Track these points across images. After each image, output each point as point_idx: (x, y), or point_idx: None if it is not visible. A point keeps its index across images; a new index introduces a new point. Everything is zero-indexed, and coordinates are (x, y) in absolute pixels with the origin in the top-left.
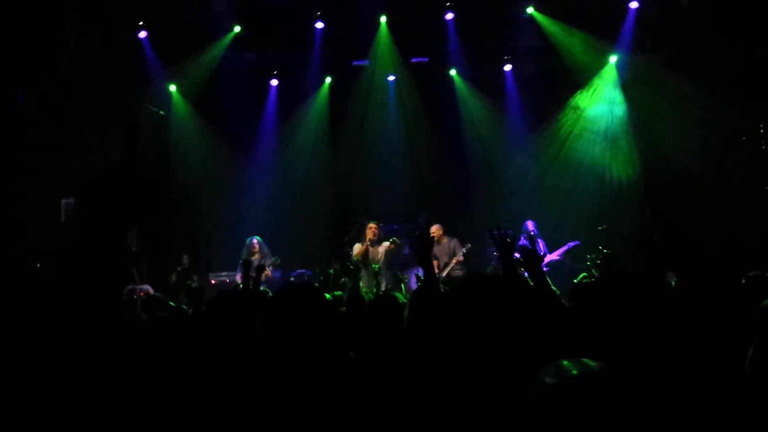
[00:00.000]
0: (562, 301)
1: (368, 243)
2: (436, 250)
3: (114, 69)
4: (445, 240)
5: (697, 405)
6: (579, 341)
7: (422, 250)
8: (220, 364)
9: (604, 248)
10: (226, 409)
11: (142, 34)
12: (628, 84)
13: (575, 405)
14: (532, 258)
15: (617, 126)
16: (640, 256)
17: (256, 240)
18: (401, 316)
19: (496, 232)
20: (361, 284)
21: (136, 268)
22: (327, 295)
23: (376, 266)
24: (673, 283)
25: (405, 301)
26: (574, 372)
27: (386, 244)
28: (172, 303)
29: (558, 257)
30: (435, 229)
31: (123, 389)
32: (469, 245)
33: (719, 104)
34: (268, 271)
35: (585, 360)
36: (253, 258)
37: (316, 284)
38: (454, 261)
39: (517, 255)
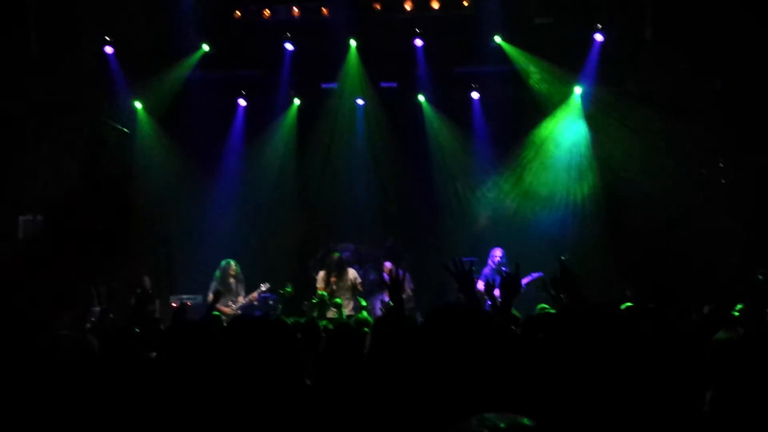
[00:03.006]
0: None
1: (333, 280)
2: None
3: (78, 82)
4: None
5: None
6: (529, 374)
7: (392, 280)
8: (171, 391)
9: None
10: None
11: (109, 49)
12: (592, 114)
13: None
14: (512, 286)
15: (581, 156)
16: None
17: (233, 262)
18: (362, 344)
19: (452, 265)
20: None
21: (95, 289)
22: (288, 320)
23: (339, 300)
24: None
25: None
26: (502, 425)
27: (353, 272)
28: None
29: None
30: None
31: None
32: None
33: (681, 136)
34: (254, 295)
35: (517, 417)
36: (229, 281)
37: (279, 305)
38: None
39: (480, 286)
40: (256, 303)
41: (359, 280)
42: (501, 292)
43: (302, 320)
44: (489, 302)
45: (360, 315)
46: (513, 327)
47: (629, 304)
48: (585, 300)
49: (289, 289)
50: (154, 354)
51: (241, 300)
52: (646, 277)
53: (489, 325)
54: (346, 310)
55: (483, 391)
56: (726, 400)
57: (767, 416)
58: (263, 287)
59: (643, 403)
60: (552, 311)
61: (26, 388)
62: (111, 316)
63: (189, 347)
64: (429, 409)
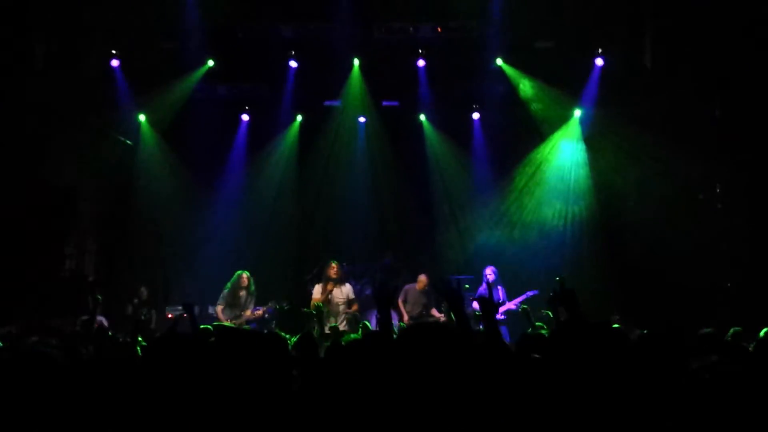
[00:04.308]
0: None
1: (330, 288)
2: (414, 296)
3: (83, 95)
4: (426, 290)
5: None
6: (524, 396)
7: (381, 296)
8: (161, 401)
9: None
10: None
11: (115, 62)
12: (591, 138)
13: None
14: (488, 307)
15: (579, 179)
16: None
17: (245, 275)
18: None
19: (441, 284)
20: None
21: (92, 297)
22: (291, 339)
23: (321, 306)
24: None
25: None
26: None
27: (349, 286)
28: (118, 337)
29: (515, 306)
30: (422, 279)
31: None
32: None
33: (678, 160)
34: (260, 311)
35: None
36: (240, 293)
37: (274, 321)
38: (434, 313)
39: (475, 305)
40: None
41: (351, 296)
42: (481, 314)
43: (295, 337)
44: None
45: (355, 335)
46: (503, 346)
47: (617, 326)
48: (583, 315)
49: (281, 306)
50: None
51: (248, 314)
52: (640, 300)
53: (469, 343)
54: (340, 326)
55: (466, 412)
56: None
57: None
58: (272, 305)
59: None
60: (545, 332)
61: (18, 396)
62: (102, 324)
63: (176, 357)
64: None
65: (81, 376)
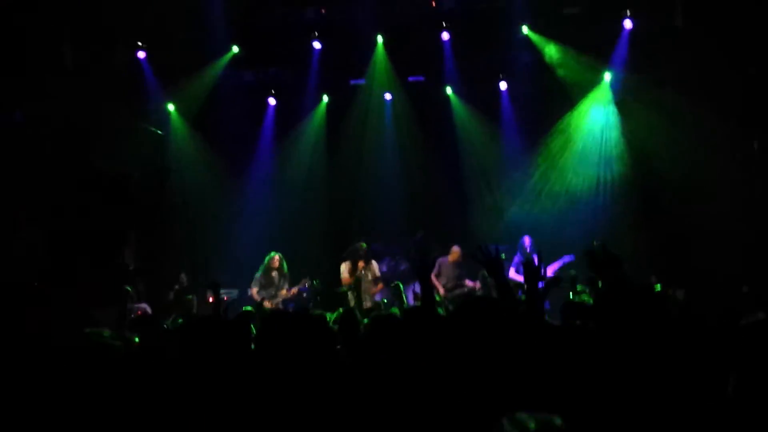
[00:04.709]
0: (550, 320)
1: (361, 266)
2: (448, 269)
3: (112, 89)
4: (459, 261)
5: None
6: (568, 366)
7: (421, 269)
8: (208, 383)
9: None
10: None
11: (141, 54)
12: (622, 102)
13: None
14: (534, 274)
15: (611, 143)
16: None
17: (277, 256)
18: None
19: (479, 252)
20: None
21: (134, 286)
22: (328, 315)
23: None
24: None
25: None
26: (532, 426)
27: (376, 264)
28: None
29: (552, 273)
30: (455, 251)
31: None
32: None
33: (713, 121)
34: (295, 290)
35: (549, 417)
36: (272, 274)
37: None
38: (467, 284)
39: (512, 274)
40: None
41: (379, 274)
42: (525, 281)
43: (336, 313)
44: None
45: (392, 309)
46: (546, 317)
47: (659, 287)
48: (627, 279)
49: (316, 283)
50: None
51: (284, 293)
52: (677, 261)
53: (514, 316)
54: (367, 303)
55: (514, 386)
56: (749, 384)
57: None
58: (305, 282)
59: (670, 390)
60: (587, 299)
61: (70, 385)
62: (146, 312)
63: (228, 339)
64: (456, 403)
65: (137, 364)
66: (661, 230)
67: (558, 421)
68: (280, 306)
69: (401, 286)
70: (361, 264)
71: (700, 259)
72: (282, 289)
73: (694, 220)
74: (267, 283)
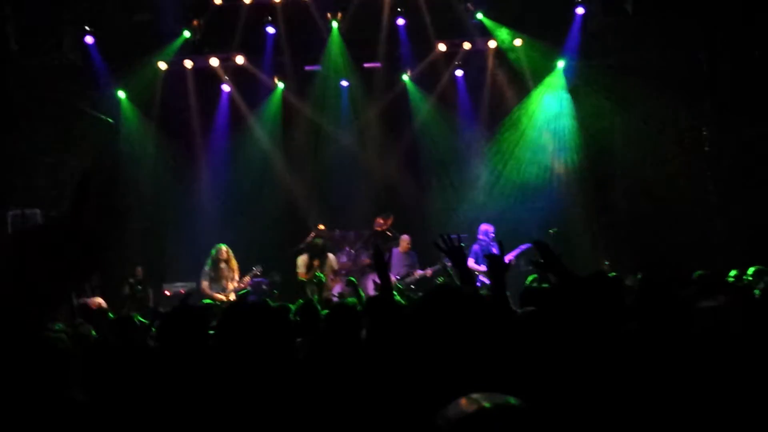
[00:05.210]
0: (512, 307)
1: (316, 264)
2: (398, 259)
3: (60, 75)
4: (409, 251)
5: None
6: (529, 352)
7: (378, 260)
8: (171, 375)
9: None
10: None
11: (89, 39)
12: (575, 88)
13: None
14: (497, 264)
15: (565, 130)
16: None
17: (224, 247)
18: (358, 325)
19: (442, 242)
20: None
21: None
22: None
23: (322, 276)
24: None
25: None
26: (487, 405)
27: (332, 257)
28: (111, 315)
29: (509, 260)
30: (405, 239)
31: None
32: (438, 266)
33: (664, 106)
34: (247, 278)
35: (504, 396)
36: (221, 266)
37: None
38: (417, 273)
39: (471, 263)
40: (249, 288)
41: (335, 266)
42: (489, 271)
43: (295, 304)
44: (480, 277)
45: (351, 299)
46: (510, 306)
47: (613, 274)
48: (573, 275)
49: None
50: (153, 342)
51: (234, 285)
52: (632, 248)
53: (481, 305)
54: (329, 293)
55: (477, 373)
56: (709, 367)
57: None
58: (256, 270)
59: (626, 372)
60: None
61: (27, 383)
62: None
63: (189, 332)
64: (421, 390)
65: (94, 357)
66: (615, 216)
67: (512, 400)
68: (233, 297)
69: (354, 280)
70: (316, 263)
71: (649, 244)
72: (232, 280)
73: (648, 205)
74: (216, 276)
